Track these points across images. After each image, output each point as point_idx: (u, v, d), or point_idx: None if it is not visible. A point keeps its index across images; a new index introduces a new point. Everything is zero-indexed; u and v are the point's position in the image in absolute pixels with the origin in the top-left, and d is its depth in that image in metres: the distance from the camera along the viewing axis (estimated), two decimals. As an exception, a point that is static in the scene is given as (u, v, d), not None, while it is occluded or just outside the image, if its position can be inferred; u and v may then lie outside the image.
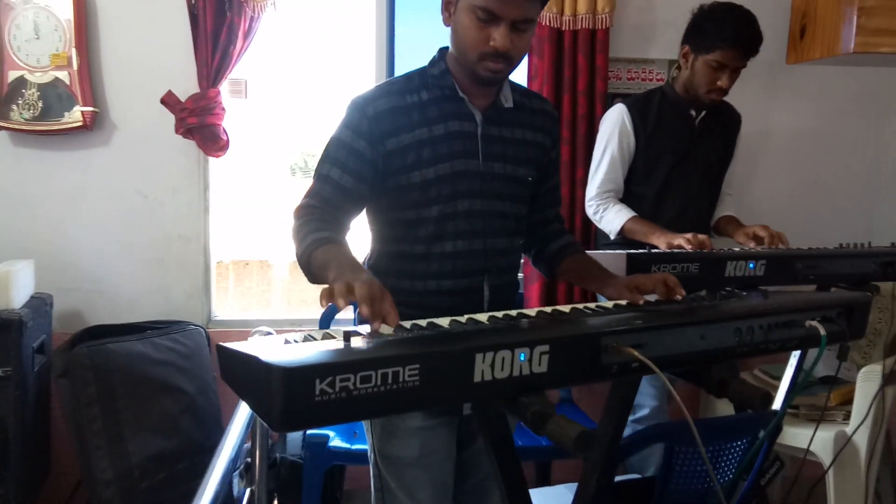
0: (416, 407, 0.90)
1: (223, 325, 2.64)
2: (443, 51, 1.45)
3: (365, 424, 1.49)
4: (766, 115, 2.75)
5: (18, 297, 2.10)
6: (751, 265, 1.77)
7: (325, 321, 2.60)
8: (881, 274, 1.95)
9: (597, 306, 1.22)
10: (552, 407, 0.98)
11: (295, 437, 2.46)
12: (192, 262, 2.59)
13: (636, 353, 1.00)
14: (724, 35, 2.08)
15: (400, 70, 2.67)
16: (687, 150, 2.27)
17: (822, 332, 1.17)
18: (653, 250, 1.85)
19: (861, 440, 2.11)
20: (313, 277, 1.27)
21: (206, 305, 2.63)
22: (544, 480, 2.50)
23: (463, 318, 1.15)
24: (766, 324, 1.18)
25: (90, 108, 2.41)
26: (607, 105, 2.44)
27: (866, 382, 2.12)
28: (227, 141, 2.48)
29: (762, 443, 1.38)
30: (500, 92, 1.43)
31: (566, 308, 1.22)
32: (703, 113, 2.27)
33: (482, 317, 1.18)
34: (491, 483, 1.62)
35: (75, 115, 2.41)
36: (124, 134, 2.50)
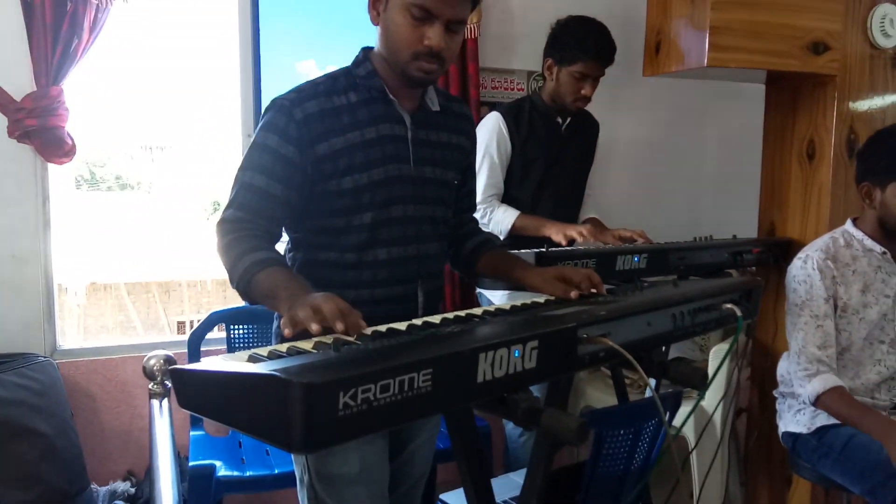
0: (430, 412, 0.87)
1: (72, 355, 2.33)
2: (366, 50, 1.40)
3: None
4: (614, 124, 3.00)
5: None
6: (636, 259, 1.93)
7: (195, 343, 2.41)
8: (732, 263, 2.22)
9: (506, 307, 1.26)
10: (539, 401, 1.00)
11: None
12: (29, 286, 2.25)
13: (612, 343, 1.04)
14: (585, 47, 2.24)
15: (267, 71, 2.56)
16: (556, 155, 2.41)
17: (739, 312, 1.31)
18: (553, 248, 1.94)
19: (717, 415, 2.37)
20: (253, 301, 1.22)
21: (49, 334, 2.30)
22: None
23: (419, 322, 1.13)
24: (693, 308, 1.29)
25: None
26: (481, 114, 2.53)
27: (716, 360, 2.38)
28: (73, 146, 2.20)
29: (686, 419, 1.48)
30: (426, 95, 1.42)
31: (512, 305, 1.24)
32: (569, 120, 2.43)
33: (435, 318, 1.17)
34: (416, 491, 1.61)
35: None
36: (-63, 137, 2.12)
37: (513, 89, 2.81)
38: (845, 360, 1.88)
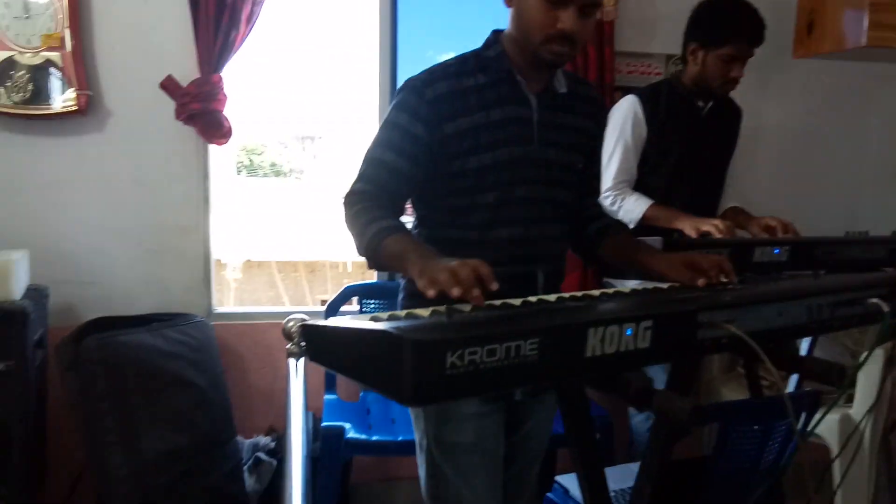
0: (535, 381, 0.89)
1: (226, 318, 2.56)
2: (497, 33, 1.43)
3: (414, 411, 1.47)
4: (760, 109, 2.82)
5: (17, 288, 1.99)
6: (776, 251, 1.81)
7: (331, 313, 2.56)
8: (890, 261, 2.02)
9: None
10: (652, 382, 0.98)
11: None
12: (191, 254, 2.50)
13: (734, 329, 1.00)
14: (735, 28, 2.12)
15: (403, 63, 2.65)
16: (695, 141, 2.31)
17: (885, 308, 1.21)
18: (684, 237, 1.87)
19: (866, 424, 2.18)
20: (381, 266, 1.27)
21: (206, 298, 2.54)
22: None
23: (534, 298, 1.14)
24: (833, 302, 1.20)
25: (84, 92, 2.30)
26: (614, 98, 2.47)
27: (869, 366, 2.19)
28: (230, 128, 2.41)
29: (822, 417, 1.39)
30: (554, 77, 1.42)
31: (633, 289, 1.22)
32: (710, 105, 2.31)
33: (550, 297, 1.17)
34: (530, 470, 1.62)
35: (69, 99, 2.30)
36: (119, 119, 2.39)
37: (650, 73, 2.72)
38: None
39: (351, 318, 1.01)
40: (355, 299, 2.63)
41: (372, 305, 2.63)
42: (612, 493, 1.31)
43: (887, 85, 2.88)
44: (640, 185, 2.31)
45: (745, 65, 2.20)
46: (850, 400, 2.27)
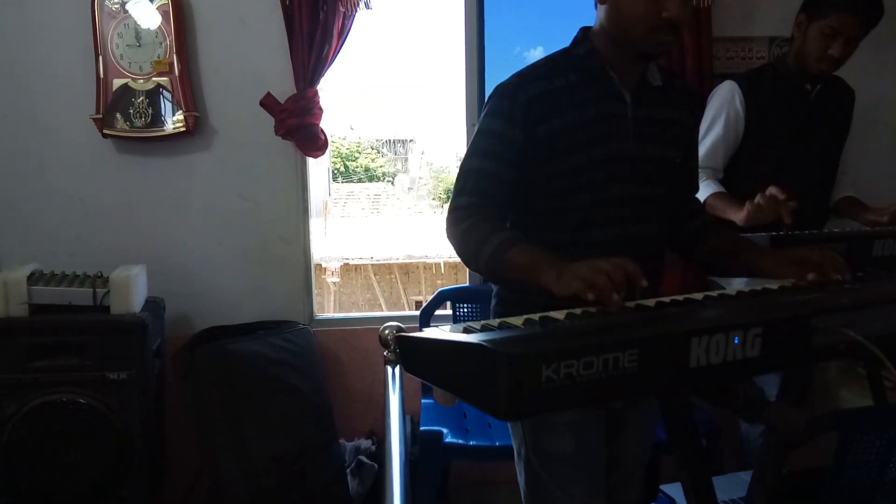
0: (636, 394, 0.86)
1: (326, 325, 2.65)
2: (585, 30, 1.40)
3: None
4: (876, 90, 2.62)
5: (137, 300, 2.13)
6: (899, 244, 1.68)
7: (426, 318, 2.59)
8: None
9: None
10: (763, 392, 0.93)
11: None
12: (293, 263, 2.60)
13: (853, 334, 0.93)
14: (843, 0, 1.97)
15: (491, 62, 2.64)
16: (803, 127, 2.16)
17: None
18: (794, 233, 1.76)
19: None
20: (503, 280, 1.27)
21: (307, 305, 2.63)
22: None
23: (631, 304, 1.11)
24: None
25: (192, 113, 2.44)
26: (714, 86, 2.36)
27: None
28: (326, 141, 2.48)
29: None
30: (648, 71, 1.38)
31: (739, 290, 1.16)
32: (819, 87, 2.16)
33: (649, 302, 1.13)
34: (633, 477, 1.57)
35: (178, 121, 2.44)
36: (224, 137, 2.52)
37: (752, 58, 2.58)
38: None
39: (444, 329, 1.01)
40: (448, 303, 2.65)
41: (465, 309, 2.64)
42: (722, 505, 1.25)
43: None
44: (741, 176, 2.19)
45: (850, 45, 2.04)
46: None
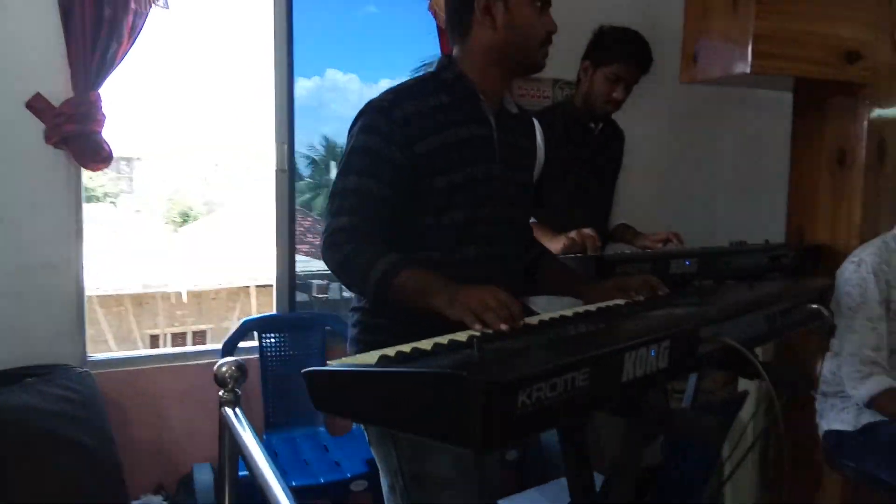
0: (585, 411, 0.86)
1: (104, 366, 2.27)
2: (448, 57, 1.42)
3: (382, 450, 1.38)
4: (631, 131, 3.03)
5: None
6: (687, 262, 1.94)
7: (229, 350, 2.38)
8: (770, 267, 2.25)
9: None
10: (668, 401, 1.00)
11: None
12: (61, 295, 2.20)
13: (733, 343, 1.05)
14: (625, 50, 2.27)
15: (301, 81, 2.54)
16: (588, 161, 2.42)
17: (826, 312, 1.33)
18: (619, 252, 1.95)
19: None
20: (393, 304, 1.23)
21: (79, 345, 2.24)
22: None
23: (534, 320, 1.13)
24: (783, 309, 1.30)
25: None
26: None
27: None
28: (110, 151, 2.16)
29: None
30: (504, 99, 1.44)
31: (598, 307, 1.26)
32: (601, 126, 2.44)
33: (532, 320, 1.17)
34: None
35: None
36: (-29, 144, 2.06)
37: (539, 97, 2.83)
38: (892, 362, 1.92)
39: (354, 361, 0.93)
40: (255, 333, 2.47)
41: (272, 339, 2.47)
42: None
43: (741, 106, 3.23)
44: (546, 204, 2.38)
45: (628, 90, 2.35)
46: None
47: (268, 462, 1.22)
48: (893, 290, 1.88)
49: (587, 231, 1.96)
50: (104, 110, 2.12)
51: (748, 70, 2.07)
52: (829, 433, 2.03)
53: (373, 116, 1.31)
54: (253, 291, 9.10)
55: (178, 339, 9.26)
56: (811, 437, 2.15)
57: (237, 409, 1.46)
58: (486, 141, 1.38)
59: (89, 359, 2.28)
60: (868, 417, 1.90)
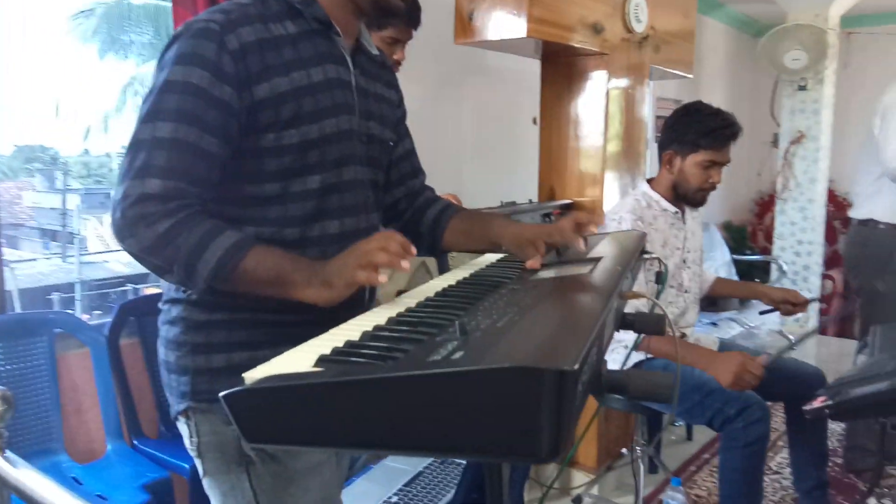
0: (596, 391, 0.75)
1: None
2: None
3: (223, 480, 1.09)
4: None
5: None
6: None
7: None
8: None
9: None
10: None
11: None
12: None
13: (653, 299, 1.03)
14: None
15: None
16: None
17: (664, 265, 1.41)
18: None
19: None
20: (236, 292, 0.98)
21: None
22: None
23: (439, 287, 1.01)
24: (635, 265, 1.34)
25: None
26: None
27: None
28: None
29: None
30: (362, 34, 1.18)
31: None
32: None
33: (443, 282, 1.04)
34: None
35: None
36: None
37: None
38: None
39: (291, 369, 0.70)
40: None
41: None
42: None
43: (475, 76, 3.34)
44: None
45: (404, 47, 2.26)
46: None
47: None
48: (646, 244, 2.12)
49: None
50: None
51: (524, 34, 2.12)
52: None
53: (196, 41, 0.97)
54: None
55: None
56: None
57: (7, 453, 1.02)
58: (344, 86, 1.11)
59: None
60: (636, 357, 2.11)
